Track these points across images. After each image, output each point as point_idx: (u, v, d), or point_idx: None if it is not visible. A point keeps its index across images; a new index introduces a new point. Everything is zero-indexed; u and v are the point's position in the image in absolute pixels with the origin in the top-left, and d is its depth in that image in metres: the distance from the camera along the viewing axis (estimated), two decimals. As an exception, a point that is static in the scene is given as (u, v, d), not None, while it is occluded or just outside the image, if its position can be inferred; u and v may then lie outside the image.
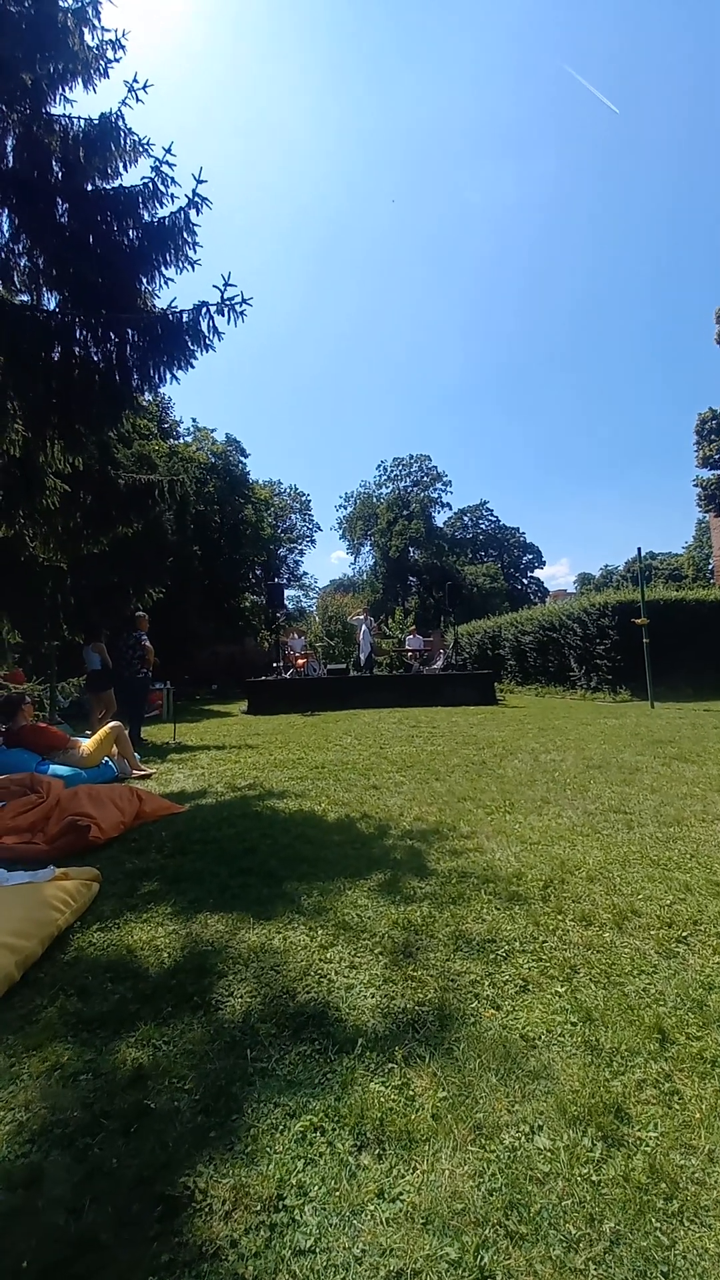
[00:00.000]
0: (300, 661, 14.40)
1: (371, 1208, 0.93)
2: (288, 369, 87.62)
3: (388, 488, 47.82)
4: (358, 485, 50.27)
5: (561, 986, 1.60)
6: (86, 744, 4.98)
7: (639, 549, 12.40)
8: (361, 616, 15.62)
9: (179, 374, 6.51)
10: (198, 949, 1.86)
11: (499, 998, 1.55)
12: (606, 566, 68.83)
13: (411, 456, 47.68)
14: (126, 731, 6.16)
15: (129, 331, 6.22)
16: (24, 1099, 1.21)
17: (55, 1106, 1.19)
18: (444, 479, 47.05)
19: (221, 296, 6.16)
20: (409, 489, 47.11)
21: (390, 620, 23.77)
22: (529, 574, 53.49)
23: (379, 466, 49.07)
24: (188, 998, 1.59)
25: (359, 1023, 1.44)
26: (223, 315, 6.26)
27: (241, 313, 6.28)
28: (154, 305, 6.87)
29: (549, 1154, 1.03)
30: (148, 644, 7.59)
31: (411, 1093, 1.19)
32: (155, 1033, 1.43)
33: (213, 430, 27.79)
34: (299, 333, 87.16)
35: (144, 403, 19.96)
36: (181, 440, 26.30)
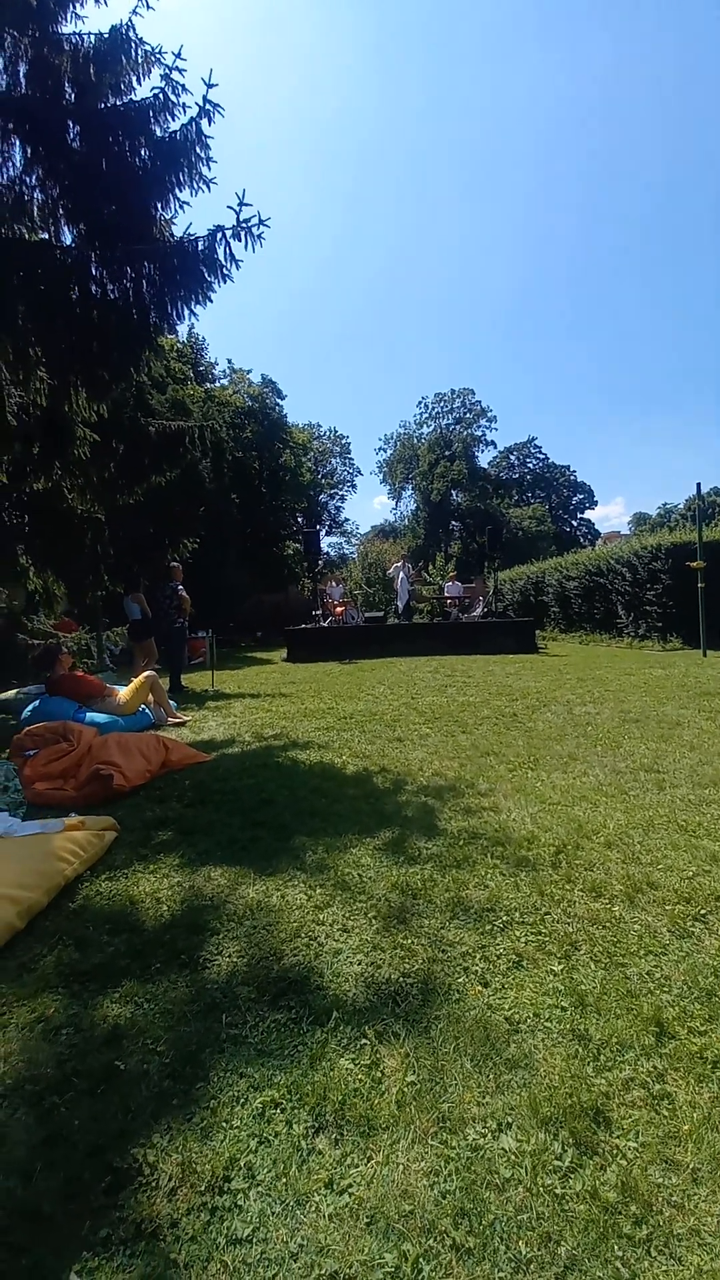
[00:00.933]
0: (339, 610, 14.35)
1: (317, 1199, 0.90)
2: (322, 299, 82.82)
3: (429, 426, 45.59)
4: (398, 426, 48.14)
5: (558, 965, 1.51)
6: (123, 692, 5.14)
7: (698, 485, 11.39)
8: (399, 564, 15.27)
9: (197, 309, 6.19)
10: (197, 904, 1.88)
11: (489, 973, 1.48)
12: (665, 505, 64.24)
13: (454, 391, 44.99)
14: (163, 679, 6.33)
15: (145, 265, 5.91)
16: (4, 1051, 1.25)
17: (32, 1061, 1.22)
18: (488, 415, 44.30)
19: (237, 218, 5.73)
20: (451, 427, 44.75)
21: (431, 567, 23.21)
22: (579, 515, 50.66)
23: (419, 403, 46.70)
24: (177, 954, 1.60)
25: (339, 992, 1.41)
26: (239, 240, 5.84)
27: (260, 235, 5.85)
28: (170, 234, 6.48)
29: (513, 1157, 0.96)
30: (184, 594, 7.67)
31: (380, 1074, 1.15)
32: (139, 990, 1.45)
33: (248, 372, 26.96)
34: (332, 259, 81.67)
35: (165, 342, 19.37)
36: (218, 384, 25.69)
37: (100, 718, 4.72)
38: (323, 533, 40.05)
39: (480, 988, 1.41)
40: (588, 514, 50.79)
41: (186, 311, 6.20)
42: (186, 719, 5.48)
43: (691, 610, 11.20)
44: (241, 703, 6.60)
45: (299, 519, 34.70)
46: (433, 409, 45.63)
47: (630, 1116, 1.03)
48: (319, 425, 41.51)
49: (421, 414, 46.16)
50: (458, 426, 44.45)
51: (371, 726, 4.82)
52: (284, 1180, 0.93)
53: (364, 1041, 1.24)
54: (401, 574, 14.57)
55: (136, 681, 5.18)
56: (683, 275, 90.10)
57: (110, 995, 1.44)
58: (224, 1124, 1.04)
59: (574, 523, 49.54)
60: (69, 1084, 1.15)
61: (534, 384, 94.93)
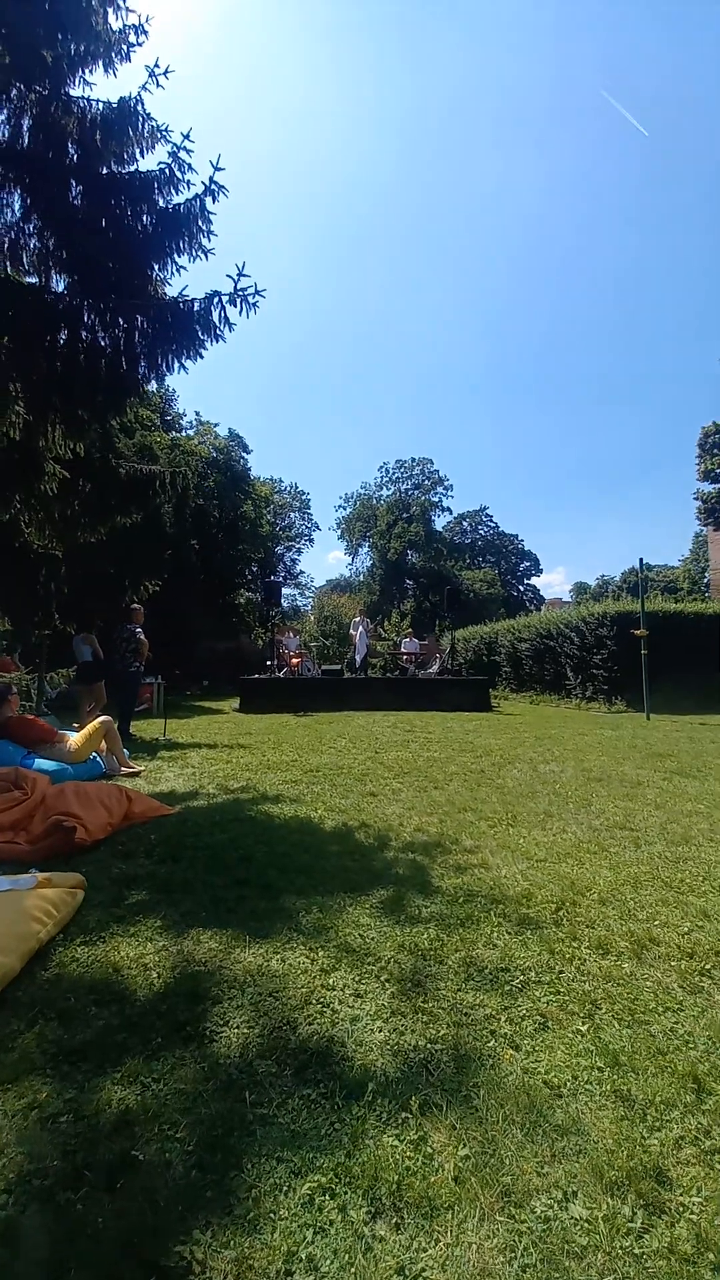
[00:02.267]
0: (295, 660, 14.27)
1: (392, 1293, 0.81)
2: (294, 364, 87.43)
3: (388, 489, 47.75)
4: (358, 486, 50.13)
5: (583, 1024, 1.49)
6: (75, 738, 4.83)
7: (640, 560, 12.39)
8: (358, 619, 15.51)
9: (187, 363, 6.38)
10: (190, 969, 1.74)
11: (517, 1035, 1.44)
12: (603, 576, 69.00)
13: (414, 459, 47.66)
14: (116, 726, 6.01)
15: (138, 318, 6.10)
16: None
17: (33, 1154, 1.06)
18: (445, 483, 47.02)
19: (235, 286, 6.05)
20: (410, 492, 47.05)
21: (386, 623, 23.68)
22: (526, 581, 53.58)
23: (380, 468, 49.00)
24: (179, 1027, 1.46)
25: (367, 1063, 1.33)
26: (235, 305, 6.15)
27: (254, 304, 6.18)
28: (164, 292, 6.76)
29: (586, 1224, 0.92)
30: (143, 638, 7.43)
31: (430, 1149, 1.07)
32: (143, 1068, 1.30)
33: (215, 425, 27.61)
34: (310, 327, 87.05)
35: (149, 391, 19.76)
36: (184, 434, 26.10)
37: (48, 765, 4.40)
38: (278, 579, 40.28)
39: (512, 1051, 1.36)
40: (534, 580, 53.78)
41: (177, 364, 6.38)
42: (140, 769, 5.19)
43: (635, 675, 11.87)
44: (198, 753, 6.33)
45: (254, 568, 34.83)
46: (393, 474, 47.97)
47: (689, 1174, 1.01)
48: (281, 480, 42.64)
49: (382, 477, 48.38)
50: (416, 492, 46.77)
51: (342, 780, 4.73)
52: (352, 1271, 0.84)
53: (406, 1115, 1.16)
54: (360, 628, 14.77)
55: (90, 727, 4.89)
56: (636, 362, 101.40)
57: (110, 1076, 1.28)
58: (270, 1215, 0.94)
59: (520, 587, 52.21)
60: (81, 1178, 1.01)
61: (489, 456, 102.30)
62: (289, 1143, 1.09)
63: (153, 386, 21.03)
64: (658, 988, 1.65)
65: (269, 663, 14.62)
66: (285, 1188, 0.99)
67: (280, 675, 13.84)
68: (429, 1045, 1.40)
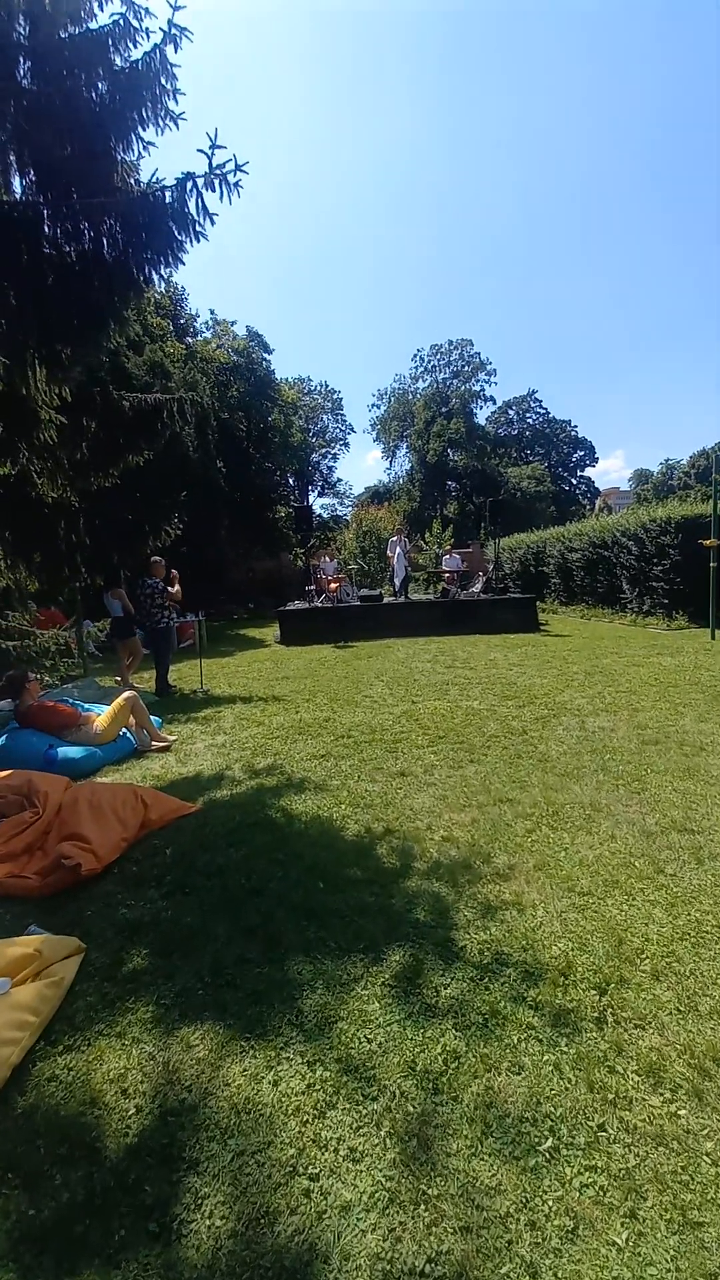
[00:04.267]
0: (333, 586, 13.84)
1: None
2: (309, 244, 77.67)
3: (424, 381, 43.67)
4: (392, 380, 46.01)
5: (621, 1229, 1.20)
6: (101, 718, 4.75)
7: (717, 446, 10.76)
8: (396, 539, 14.66)
9: (166, 271, 5.49)
10: (170, 1100, 1.56)
11: (537, 1250, 1.17)
12: (668, 461, 62.71)
13: (451, 343, 42.87)
14: (152, 686, 5.93)
15: (106, 220, 5.18)
16: None
17: None
18: (488, 368, 42.40)
19: (209, 164, 4.99)
20: (448, 381, 42.87)
21: (427, 533, 22.51)
22: (579, 473, 49.26)
23: (414, 356, 44.65)
24: (146, 1212, 1.28)
25: (350, 1302, 1.10)
26: (213, 190, 5.12)
27: (236, 184, 5.14)
28: (134, 182, 5.71)
29: None
30: (173, 589, 7.15)
31: None
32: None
33: (233, 324, 25.28)
34: (319, 201, 76.22)
35: (128, 318, 17.87)
36: (200, 337, 24.12)
37: (75, 751, 4.35)
38: (314, 494, 38.88)
39: (531, 1291, 1.10)
40: (588, 471, 49.48)
41: (155, 275, 5.50)
42: (173, 739, 5.12)
43: (700, 589, 10.81)
44: (232, 711, 6.24)
45: (290, 480, 33.49)
46: (429, 362, 43.68)
47: None
48: (309, 380, 39.68)
49: (417, 368, 44.22)
50: (455, 381, 42.65)
51: (372, 752, 4.48)
52: None
53: None
54: (399, 549, 14.00)
55: (115, 705, 4.78)
56: (687, 207, 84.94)
57: (62, 1296, 1.12)
58: None
59: (573, 480, 48.31)
60: None
61: (531, 336, 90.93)
62: None
63: (132, 305, 18.99)
64: (718, 1153, 1.34)
65: (308, 589, 14.28)
66: None
67: (319, 603, 13.53)
68: (428, 1266, 1.15)
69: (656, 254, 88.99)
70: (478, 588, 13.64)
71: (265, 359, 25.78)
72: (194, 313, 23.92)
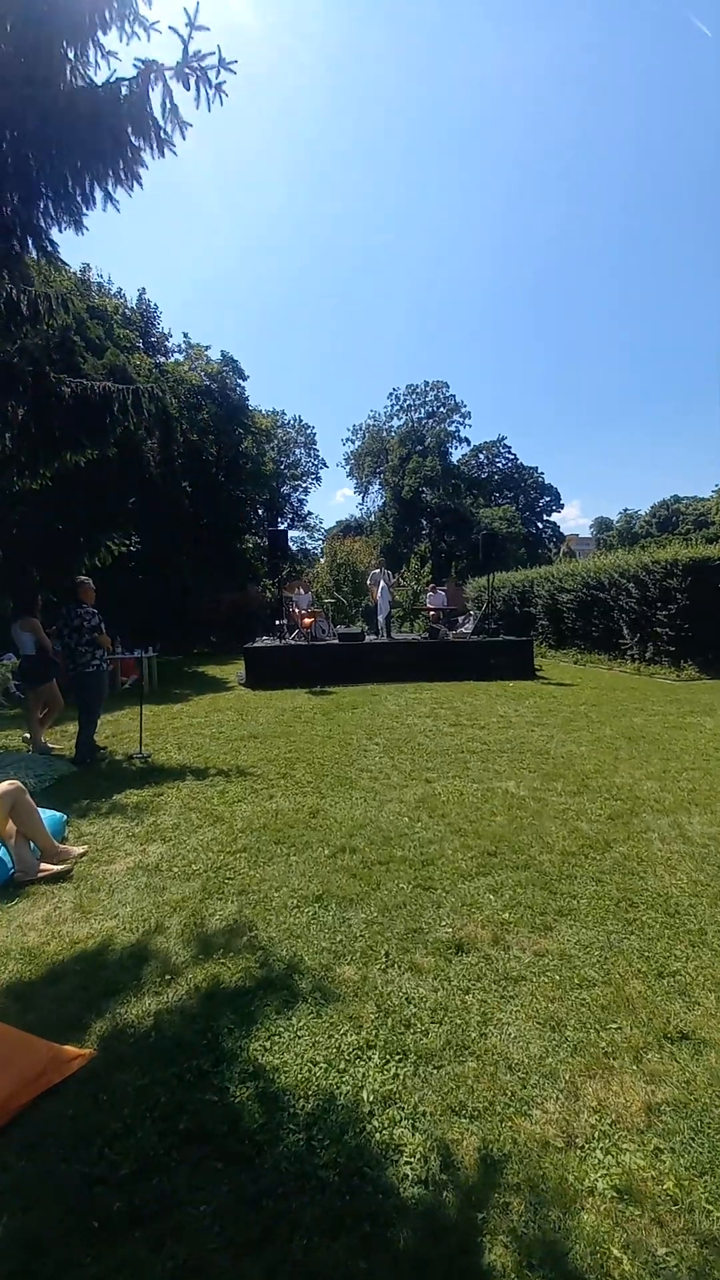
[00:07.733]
0: (307, 621, 12.29)
1: None
2: (291, 286, 79.41)
3: (400, 419, 43.82)
4: (366, 417, 45.97)
5: None
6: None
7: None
8: (378, 571, 13.33)
9: (117, 191, 4.09)
10: None
11: None
12: (626, 510, 65.00)
13: (427, 384, 43.38)
14: (70, 749, 4.17)
15: (31, 119, 3.78)
16: None
17: None
18: (462, 410, 42.96)
19: (185, 52, 3.75)
20: (423, 421, 43.14)
21: (405, 569, 21.40)
22: (545, 517, 49.99)
23: (390, 395, 44.84)
24: None
25: None
26: (185, 85, 3.85)
27: (220, 84, 3.85)
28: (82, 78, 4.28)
29: None
30: (100, 631, 5.41)
31: None
32: None
33: (207, 348, 24.22)
34: (297, 237, 78.49)
35: (108, 304, 16.48)
36: (172, 359, 22.90)
37: None
38: (284, 526, 37.66)
39: None
40: (553, 516, 50.27)
41: (99, 194, 4.09)
42: (79, 854, 3.32)
43: (712, 636, 9.81)
44: (179, 793, 4.51)
45: (259, 511, 32.16)
46: (404, 401, 43.97)
47: None
48: (283, 413, 39.00)
49: (392, 406, 44.41)
50: (430, 421, 42.96)
51: (394, 888, 2.88)
52: None
53: None
54: (382, 582, 12.64)
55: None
56: (646, 290, 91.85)
57: None
58: None
59: (540, 524, 48.92)
60: None
61: (497, 386, 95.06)
62: None
63: (109, 302, 17.61)
64: None
65: (279, 623, 12.66)
66: None
67: (291, 638, 11.93)
68: None
69: (606, 331, 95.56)
70: (469, 628, 12.36)
71: (240, 385, 24.73)
72: (166, 331, 22.78)
